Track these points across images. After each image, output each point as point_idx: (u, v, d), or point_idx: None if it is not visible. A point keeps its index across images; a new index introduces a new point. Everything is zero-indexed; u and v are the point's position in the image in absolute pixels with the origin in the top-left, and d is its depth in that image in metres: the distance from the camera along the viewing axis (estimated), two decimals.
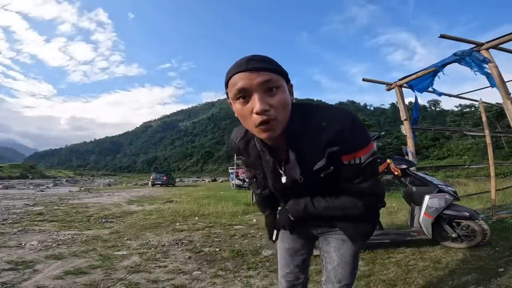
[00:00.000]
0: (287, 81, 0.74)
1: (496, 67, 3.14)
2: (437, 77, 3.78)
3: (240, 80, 0.68)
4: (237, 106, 0.71)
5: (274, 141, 0.78)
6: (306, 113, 0.77)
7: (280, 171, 0.85)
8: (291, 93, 0.76)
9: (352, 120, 0.73)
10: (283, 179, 0.85)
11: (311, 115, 0.76)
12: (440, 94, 4.29)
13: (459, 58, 3.33)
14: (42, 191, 15.20)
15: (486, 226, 2.69)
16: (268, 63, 0.70)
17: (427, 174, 3.18)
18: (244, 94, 0.68)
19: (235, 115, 0.74)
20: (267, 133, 0.70)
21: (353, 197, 0.83)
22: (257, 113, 0.67)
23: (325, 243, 1.01)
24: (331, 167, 0.77)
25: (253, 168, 0.95)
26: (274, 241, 1.09)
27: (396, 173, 2.93)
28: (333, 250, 0.98)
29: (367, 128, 0.80)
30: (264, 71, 0.68)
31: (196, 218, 5.51)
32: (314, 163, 0.76)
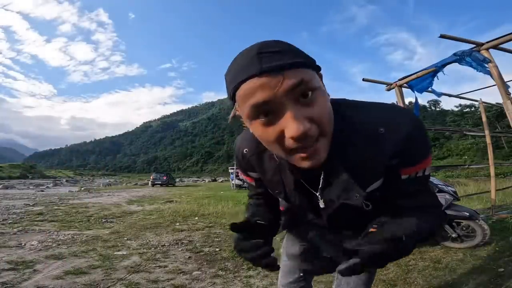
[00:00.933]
0: (317, 70, 0.50)
1: (496, 67, 3.14)
2: (436, 77, 3.78)
3: (255, 92, 0.43)
4: (257, 128, 0.47)
5: None
6: (347, 114, 0.55)
7: (315, 193, 0.63)
8: (324, 87, 0.51)
9: (420, 125, 0.55)
10: (321, 204, 0.63)
11: (356, 117, 0.55)
12: (439, 95, 4.29)
13: (459, 58, 3.33)
14: (42, 191, 15.20)
15: (486, 226, 2.69)
16: (291, 52, 0.45)
17: None
18: (266, 111, 0.45)
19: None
20: (309, 161, 0.48)
21: (421, 215, 0.58)
22: (293, 138, 0.44)
23: None
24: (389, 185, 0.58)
25: (271, 187, 0.70)
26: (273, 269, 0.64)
27: None
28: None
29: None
30: (290, 68, 0.43)
31: (196, 218, 5.51)
32: (365, 181, 0.57)
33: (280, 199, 0.75)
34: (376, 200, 0.60)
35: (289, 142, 0.45)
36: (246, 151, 0.68)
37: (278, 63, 0.43)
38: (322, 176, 0.60)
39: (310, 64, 0.47)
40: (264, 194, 0.80)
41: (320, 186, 0.61)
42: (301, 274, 0.93)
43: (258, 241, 0.62)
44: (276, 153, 0.53)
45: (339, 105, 0.56)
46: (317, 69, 0.50)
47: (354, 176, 0.56)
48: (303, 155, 0.47)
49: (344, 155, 0.55)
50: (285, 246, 0.97)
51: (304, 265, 0.93)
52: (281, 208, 0.88)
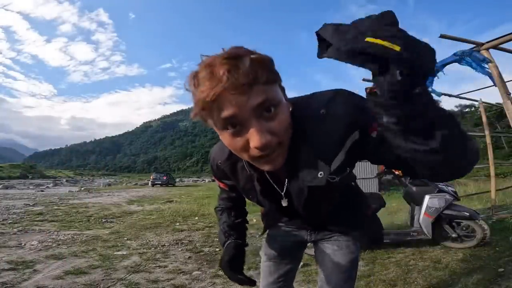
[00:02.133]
0: (281, 86, 0.56)
1: (496, 67, 3.14)
2: (436, 77, 3.78)
3: (225, 106, 0.48)
4: (226, 138, 0.54)
5: None
6: (298, 115, 0.59)
7: (281, 192, 0.70)
8: (286, 99, 0.58)
9: (342, 92, 0.60)
10: (284, 202, 0.71)
11: (304, 114, 0.60)
12: (439, 95, 4.29)
13: (459, 58, 3.33)
14: (42, 191, 15.19)
15: (486, 226, 2.69)
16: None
17: None
18: (234, 123, 0.50)
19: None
20: (269, 165, 0.57)
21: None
22: (256, 148, 0.51)
23: (319, 250, 0.91)
24: (351, 162, 0.62)
25: (245, 193, 0.79)
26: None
27: (396, 172, 2.93)
28: (326, 257, 0.88)
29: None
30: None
31: (196, 218, 5.51)
32: (325, 161, 0.61)
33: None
34: (344, 176, 0.64)
35: (253, 151, 0.53)
36: (220, 162, 0.76)
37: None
38: (286, 178, 0.67)
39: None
40: (234, 197, 0.93)
41: (286, 185, 0.68)
42: (281, 274, 0.95)
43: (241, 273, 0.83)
44: (242, 158, 0.59)
45: (293, 113, 0.60)
46: (280, 80, 0.55)
47: (312, 163, 0.61)
48: (264, 160, 0.55)
49: (300, 152, 0.61)
50: (264, 247, 1.00)
51: (283, 264, 0.96)
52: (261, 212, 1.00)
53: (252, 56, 0.49)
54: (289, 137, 0.57)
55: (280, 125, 0.52)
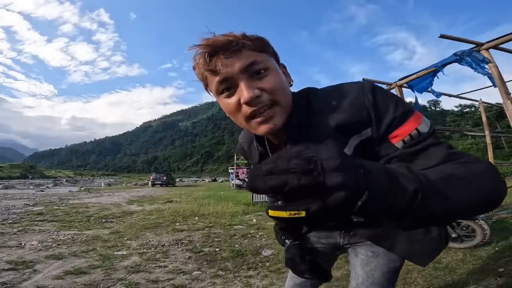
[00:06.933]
0: (278, 61, 0.59)
1: (496, 67, 3.14)
2: (436, 77, 3.78)
3: (216, 70, 0.52)
4: (222, 102, 0.56)
5: (276, 137, 0.62)
6: (309, 97, 0.59)
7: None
8: (287, 75, 0.61)
9: (371, 88, 0.53)
10: None
11: (316, 98, 0.58)
12: (439, 95, 4.29)
13: (459, 58, 3.33)
14: (42, 191, 15.19)
15: (486, 226, 2.69)
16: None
17: None
18: (228, 86, 0.53)
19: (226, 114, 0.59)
20: (265, 125, 0.54)
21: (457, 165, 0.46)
22: (246, 103, 0.52)
23: (353, 255, 0.80)
24: None
25: None
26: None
27: None
28: (359, 264, 0.77)
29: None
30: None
31: (196, 218, 5.51)
32: None
33: None
34: None
35: (244, 109, 0.53)
36: (242, 141, 0.82)
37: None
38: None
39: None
40: None
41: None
42: (309, 284, 0.86)
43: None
44: (242, 125, 0.58)
45: (305, 91, 0.61)
46: (278, 60, 0.59)
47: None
48: (259, 119, 0.53)
49: (304, 134, 0.57)
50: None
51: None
52: None
53: (242, 33, 0.54)
54: (289, 101, 0.56)
55: (270, 83, 0.53)
